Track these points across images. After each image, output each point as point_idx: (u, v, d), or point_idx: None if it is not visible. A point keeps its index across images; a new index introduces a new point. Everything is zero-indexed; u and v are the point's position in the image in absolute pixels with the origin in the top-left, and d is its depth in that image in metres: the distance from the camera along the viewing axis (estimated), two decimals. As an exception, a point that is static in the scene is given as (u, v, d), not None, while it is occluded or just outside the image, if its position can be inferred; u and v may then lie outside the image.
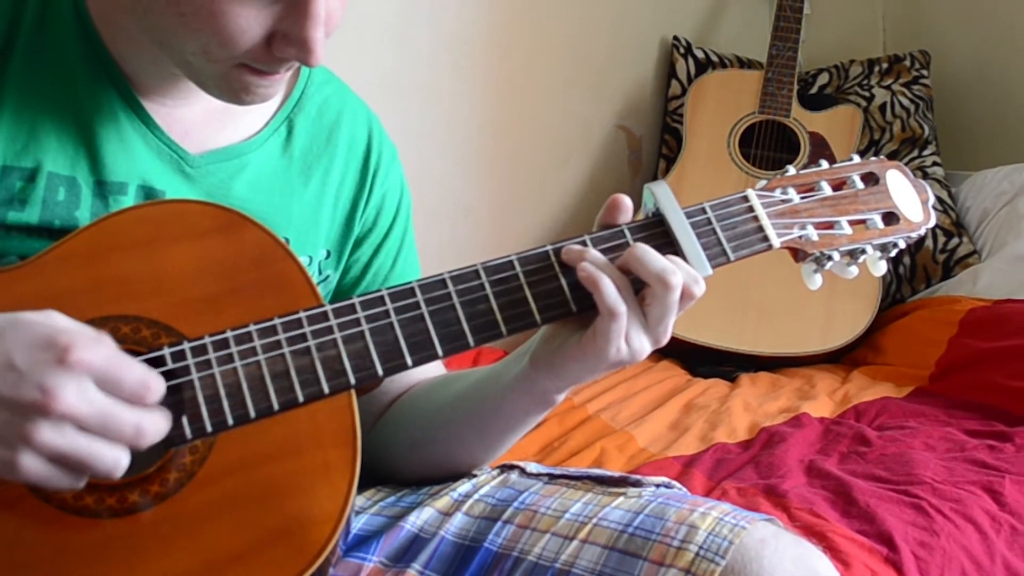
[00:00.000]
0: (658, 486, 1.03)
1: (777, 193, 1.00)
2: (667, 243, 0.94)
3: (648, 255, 0.90)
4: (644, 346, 0.92)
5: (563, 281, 0.92)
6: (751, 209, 0.98)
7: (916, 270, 2.56)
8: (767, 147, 2.60)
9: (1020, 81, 2.84)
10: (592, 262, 0.90)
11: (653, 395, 2.14)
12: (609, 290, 0.89)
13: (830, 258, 1.00)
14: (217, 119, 1.04)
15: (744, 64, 2.79)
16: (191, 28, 0.90)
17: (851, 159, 1.05)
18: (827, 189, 1.02)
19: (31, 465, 0.75)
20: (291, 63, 0.93)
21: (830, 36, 3.00)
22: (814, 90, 2.82)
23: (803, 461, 1.73)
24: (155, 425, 0.78)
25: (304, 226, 1.07)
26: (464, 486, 1.07)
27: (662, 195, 0.95)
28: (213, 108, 1.03)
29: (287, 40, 0.90)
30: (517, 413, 1.04)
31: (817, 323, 2.37)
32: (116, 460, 0.77)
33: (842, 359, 2.39)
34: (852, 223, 1.01)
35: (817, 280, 1.01)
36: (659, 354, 2.35)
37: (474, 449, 1.09)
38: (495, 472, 1.09)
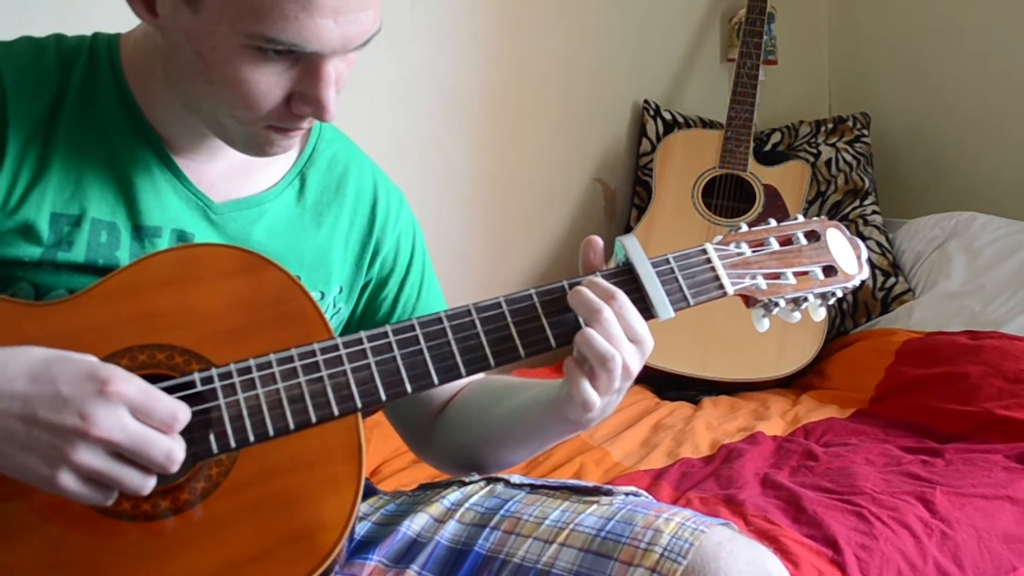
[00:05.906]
0: (627, 495, 1.03)
1: (732, 247, 1.01)
2: (635, 289, 0.95)
3: (591, 336, 0.92)
4: (614, 403, 0.97)
5: (544, 321, 0.94)
6: (709, 261, 1.00)
7: (858, 306, 2.57)
8: (726, 197, 2.61)
9: (949, 139, 2.86)
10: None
11: (626, 416, 2.14)
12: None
13: (777, 304, 1.02)
14: (239, 173, 1.05)
15: (706, 124, 2.80)
16: (221, 95, 0.91)
17: (796, 219, 1.07)
18: (775, 244, 1.03)
19: (68, 482, 0.76)
20: (308, 119, 0.95)
21: (782, 100, 3.02)
22: (768, 147, 2.83)
23: (758, 474, 1.74)
24: (183, 452, 0.79)
25: (315, 266, 1.08)
26: (454, 494, 1.07)
27: (631, 247, 0.97)
28: (236, 163, 1.04)
29: (304, 100, 0.92)
30: (552, 432, 1.06)
31: (771, 353, 2.37)
32: (144, 481, 0.79)
33: (792, 384, 2.38)
34: (796, 274, 1.02)
35: (765, 324, 1.03)
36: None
37: (514, 454, 1.13)
38: (483, 483, 1.10)
